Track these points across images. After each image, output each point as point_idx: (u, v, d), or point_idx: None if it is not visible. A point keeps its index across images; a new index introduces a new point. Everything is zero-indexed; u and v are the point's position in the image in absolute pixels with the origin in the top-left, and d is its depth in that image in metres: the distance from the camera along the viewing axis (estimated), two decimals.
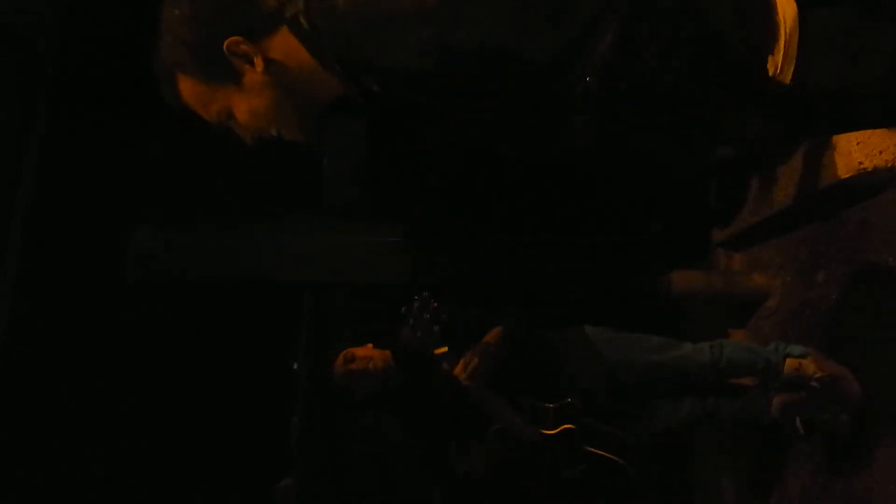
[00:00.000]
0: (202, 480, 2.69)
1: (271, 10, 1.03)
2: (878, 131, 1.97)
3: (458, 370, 1.95)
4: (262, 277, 2.71)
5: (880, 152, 2.01)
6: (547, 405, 2.05)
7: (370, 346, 2.07)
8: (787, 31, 1.01)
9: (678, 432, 2.39)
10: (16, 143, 2.54)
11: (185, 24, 1.03)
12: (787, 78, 1.02)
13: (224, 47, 1.03)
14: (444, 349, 1.93)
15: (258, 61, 1.04)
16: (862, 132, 1.98)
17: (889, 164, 2.00)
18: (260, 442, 2.79)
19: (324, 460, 2.65)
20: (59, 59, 2.68)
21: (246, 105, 1.09)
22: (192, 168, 2.66)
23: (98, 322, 2.66)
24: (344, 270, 2.69)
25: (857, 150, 2.03)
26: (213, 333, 2.80)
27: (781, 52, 1.01)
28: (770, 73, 1.01)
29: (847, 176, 2.04)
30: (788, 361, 2.08)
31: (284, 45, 1.04)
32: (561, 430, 2.03)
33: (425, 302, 1.82)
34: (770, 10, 1.01)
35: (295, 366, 2.77)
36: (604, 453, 2.04)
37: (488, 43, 0.92)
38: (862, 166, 2.02)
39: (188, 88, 1.09)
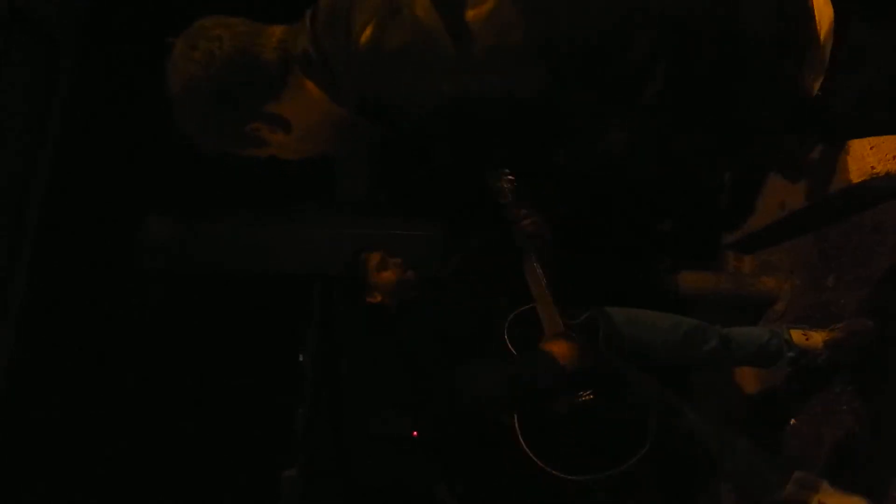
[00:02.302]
0: (209, 470, 2.71)
1: (276, 65, 1.02)
2: (892, 136, 1.97)
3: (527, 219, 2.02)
4: (272, 269, 2.73)
5: (893, 157, 2.00)
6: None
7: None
8: (823, 37, 1.00)
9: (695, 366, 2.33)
10: (32, 132, 2.56)
11: (210, 103, 1.03)
12: (818, 84, 1.01)
13: (245, 132, 1.05)
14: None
15: (280, 134, 1.06)
16: (876, 137, 1.98)
17: None
18: (266, 432, 2.81)
19: (328, 451, 2.67)
20: (76, 47, 2.70)
21: (273, 152, 1.12)
22: (205, 160, 2.68)
23: (109, 310, 2.68)
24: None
25: (870, 155, 2.02)
26: (222, 324, 2.82)
27: (816, 59, 1.00)
28: (806, 78, 1.00)
29: (859, 180, 2.04)
30: (794, 332, 2.10)
31: (297, 97, 1.04)
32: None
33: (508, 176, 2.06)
34: (809, 14, 0.99)
35: (301, 358, 2.79)
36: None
37: (524, 94, 0.86)
38: (875, 171, 2.01)
39: (212, 146, 1.12)
